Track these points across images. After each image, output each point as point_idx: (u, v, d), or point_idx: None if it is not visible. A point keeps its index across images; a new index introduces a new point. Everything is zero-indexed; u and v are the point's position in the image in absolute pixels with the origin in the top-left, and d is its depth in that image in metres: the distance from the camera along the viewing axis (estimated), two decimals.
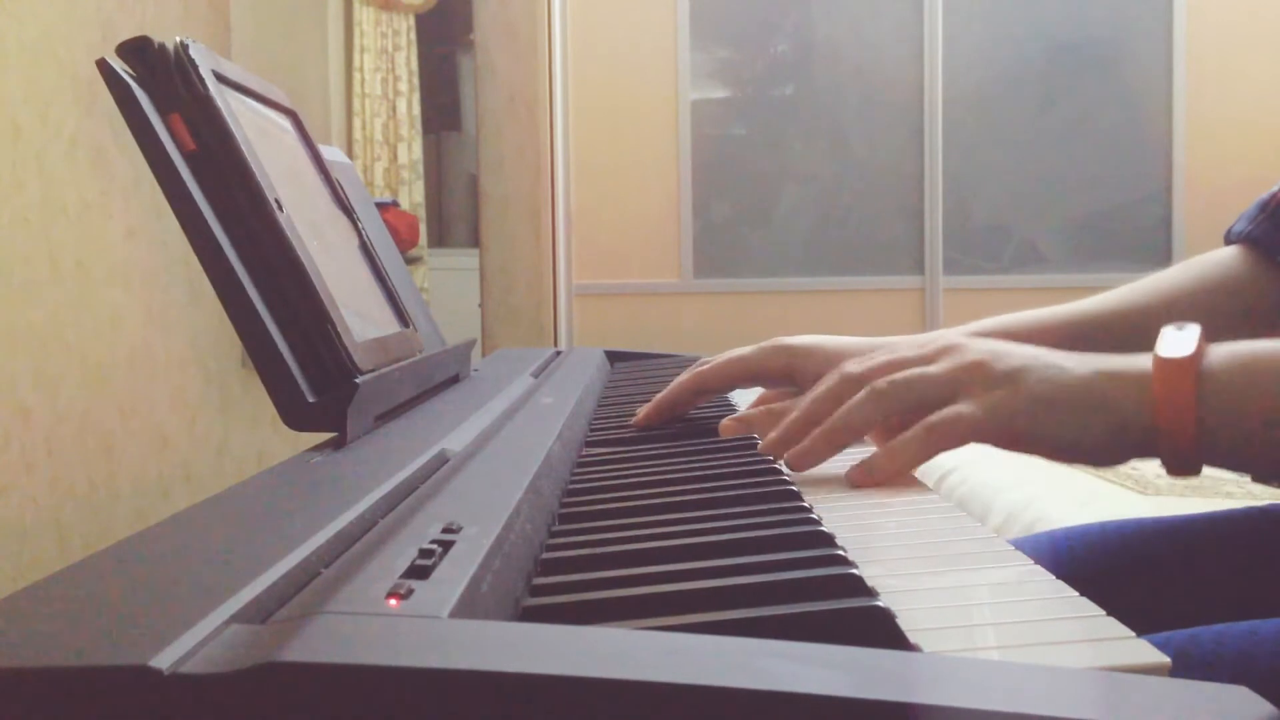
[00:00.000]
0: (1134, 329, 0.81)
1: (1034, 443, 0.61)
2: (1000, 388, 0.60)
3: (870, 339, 0.80)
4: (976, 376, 0.61)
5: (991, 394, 0.60)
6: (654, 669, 0.27)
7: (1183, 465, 0.58)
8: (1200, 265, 0.84)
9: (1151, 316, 0.81)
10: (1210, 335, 0.61)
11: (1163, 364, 0.58)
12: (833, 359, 0.77)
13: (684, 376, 0.81)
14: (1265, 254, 0.81)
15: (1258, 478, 0.68)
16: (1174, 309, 0.81)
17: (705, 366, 0.81)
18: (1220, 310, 0.81)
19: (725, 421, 0.74)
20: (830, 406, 0.65)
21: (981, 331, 0.81)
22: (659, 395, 0.81)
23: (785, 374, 0.79)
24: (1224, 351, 0.58)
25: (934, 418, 0.61)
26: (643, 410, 0.81)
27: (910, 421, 0.63)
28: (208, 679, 0.27)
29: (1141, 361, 0.59)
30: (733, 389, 0.85)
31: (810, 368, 0.77)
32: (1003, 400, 0.60)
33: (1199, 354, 0.58)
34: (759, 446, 0.66)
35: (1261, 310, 0.81)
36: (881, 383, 0.63)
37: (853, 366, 0.66)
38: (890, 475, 0.62)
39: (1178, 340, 0.59)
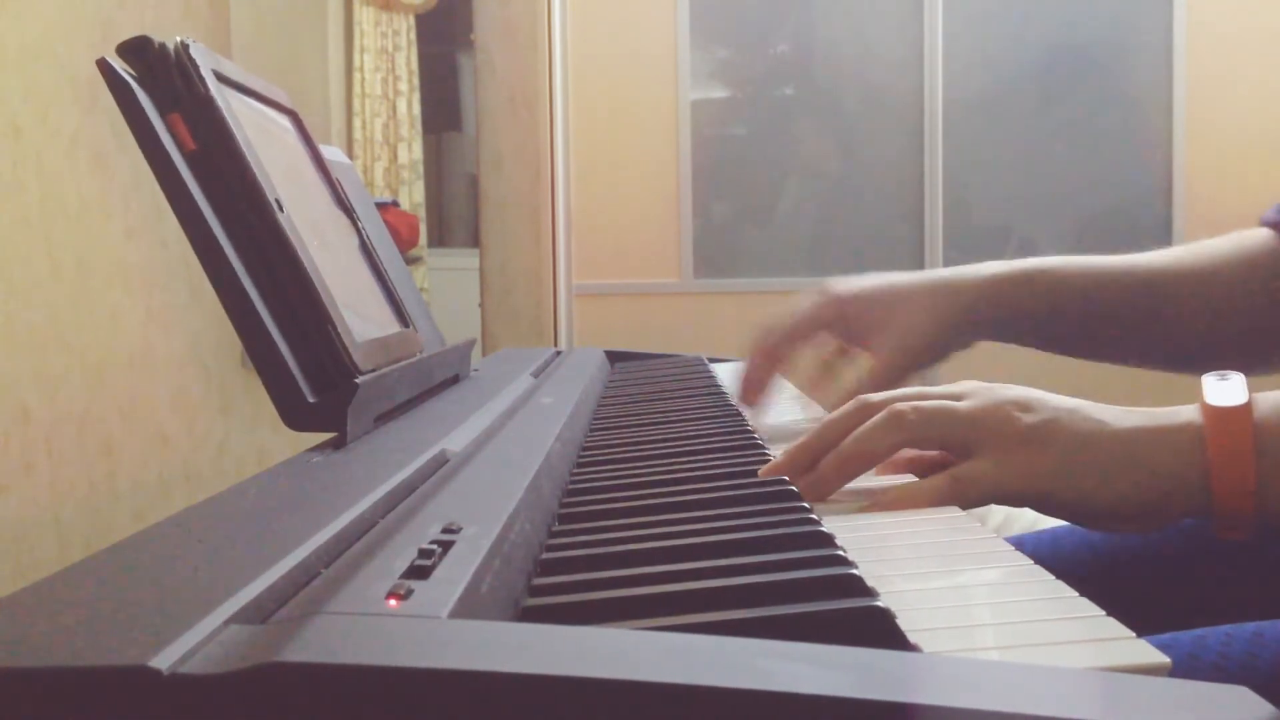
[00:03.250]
0: (1175, 289, 0.81)
1: (1063, 509, 0.56)
2: (1028, 445, 0.56)
3: (914, 274, 0.81)
4: (1003, 427, 0.57)
5: (1017, 452, 0.56)
6: (654, 669, 0.27)
7: (1236, 524, 0.55)
8: (1240, 238, 0.83)
9: (1192, 282, 0.81)
10: (1234, 309, 0.58)
11: (1214, 413, 0.54)
12: (878, 298, 0.80)
13: (754, 356, 0.83)
14: None
15: None
16: (1216, 275, 0.81)
17: (767, 336, 0.83)
18: (1249, 287, 0.81)
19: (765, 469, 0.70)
20: (844, 430, 0.60)
21: (1037, 269, 0.81)
22: (744, 378, 0.83)
23: (839, 326, 0.82)
24: (1272, 399, 0.55)
25: (953, 473, 0.57)
26: (741, 400, 0.83)
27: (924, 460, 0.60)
28: (208, 679, 0.26)
29: (1185, 414, 0.56)
30: (801, 347, 0.86)
31: (861, 315, 0.81)
32: (1029, 460, 0.56)
33: (1251, 402, 0.54)
34: (760, 471, 0.61)
35: None
36: (904, 406, 0.59)
37: (871, 395, 0.62)
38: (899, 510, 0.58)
39: (1225, 389, 0.55)
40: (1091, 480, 0.55)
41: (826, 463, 0.60)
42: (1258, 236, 0.84)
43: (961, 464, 0.58)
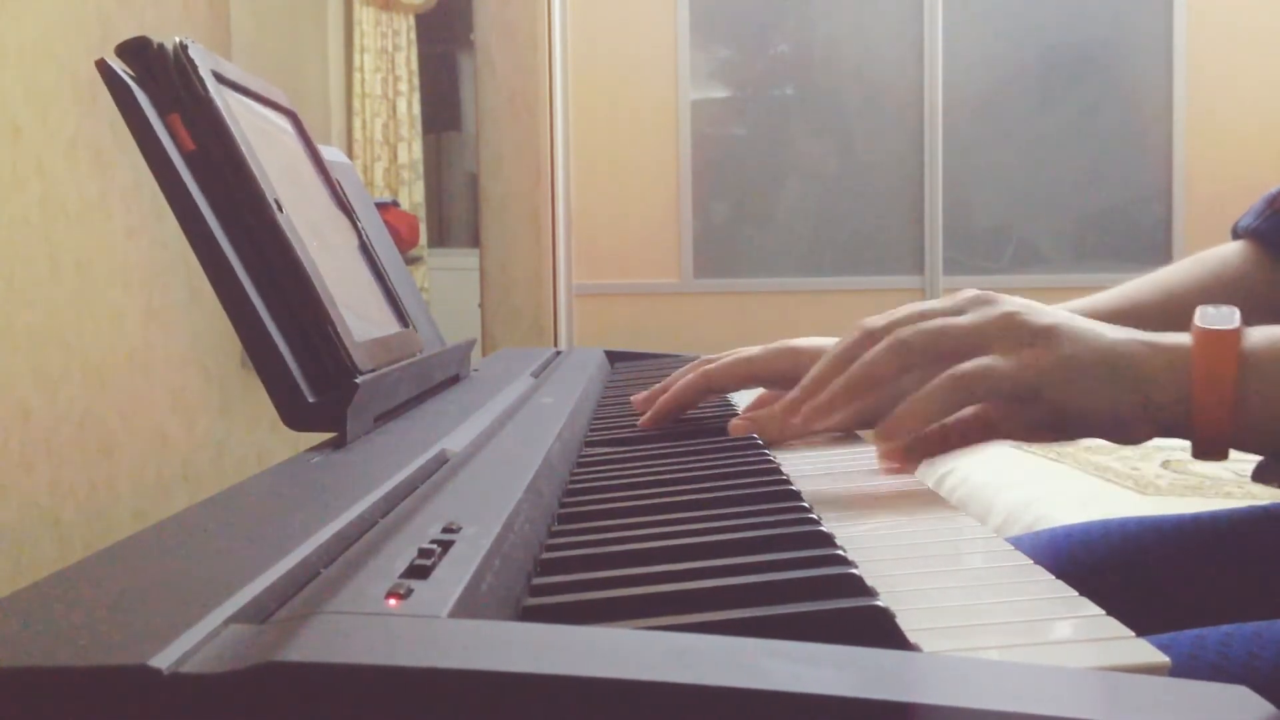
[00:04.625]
0: (1138, 325, 0.81)
1: (1058, 411, 0.58)
2: (1032, 345, 0.58)
3: None
4: (1008, 330, 0.59)
5: (1022, 351, 0.58)
6: (654, 669, 0.27)
7: (1212, 446, 0.56)
8: (1203, 261, 0.83)
9: (1154, 313, 0.81)
10: None
11: (1203, 335, 0.56)
12: None
13: (690, 376, 0.81)
14: (1271, 250, 0.80)
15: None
16: (1177, 305, 0.81)
17: (711, 366, 0.81)
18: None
19: (734, 421, 0.75)
20: (851, 359, 0.62)
21: None
22: (664, 397, 0.81)
23: (792, 376, 0.79)
24: (1265, 331, 0.57)
25: (961, 368, 0.58)
26: (647, 411, 0.81)
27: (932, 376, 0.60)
28: (208, 679, 0.26)
29: (1180, 337, 0.58)
30: (739, 390, 0.85)
31: None
32: (1033, 358, 0.57)
33: (1240, 330, 0.56)
34: (774, 409, 0.63)
35: (1265, 306, 0.80)
36: (906, 330, 0.60)
37: (873, 320, 0.63)
38: (916, 426, 0.59)
39: (1217, 316, 0.58)
40: (1083, 383, 0.57)
41: (835, 386, 0.62)
42: (1221, 254, 0.83)
43: (964, 363, 0.59)
